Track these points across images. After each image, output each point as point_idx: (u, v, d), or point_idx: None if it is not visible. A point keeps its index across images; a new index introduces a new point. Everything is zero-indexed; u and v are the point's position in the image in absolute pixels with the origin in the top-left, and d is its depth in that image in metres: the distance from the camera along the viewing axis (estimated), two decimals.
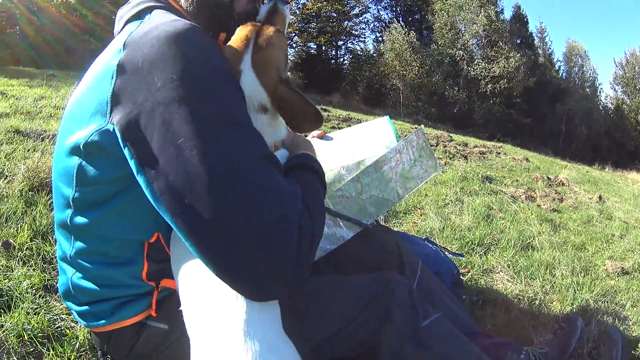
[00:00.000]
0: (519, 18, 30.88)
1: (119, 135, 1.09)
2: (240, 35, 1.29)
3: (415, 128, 2.10)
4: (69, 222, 1.29)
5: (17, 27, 21.75)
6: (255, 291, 1.04)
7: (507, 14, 30.37)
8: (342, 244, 1.76)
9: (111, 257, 1.28)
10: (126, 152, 1.08)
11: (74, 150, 1.21)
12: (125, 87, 1.09)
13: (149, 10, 1.32)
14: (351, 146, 1.97)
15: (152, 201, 1.07)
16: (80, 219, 1.26)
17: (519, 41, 29.85)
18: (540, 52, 32.19)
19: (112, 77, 1.11)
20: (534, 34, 32.27)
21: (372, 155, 1.84)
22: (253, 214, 0.99)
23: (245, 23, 1.34)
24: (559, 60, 34.39)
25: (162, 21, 1.18)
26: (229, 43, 1.29)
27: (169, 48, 1.08)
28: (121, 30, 1.34)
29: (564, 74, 34.09)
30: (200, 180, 0.99)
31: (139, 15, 1.32)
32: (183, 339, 1.26)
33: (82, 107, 1.21)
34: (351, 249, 1.77)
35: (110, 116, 1.10)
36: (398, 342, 1.37)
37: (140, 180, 1.07)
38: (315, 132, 1.93)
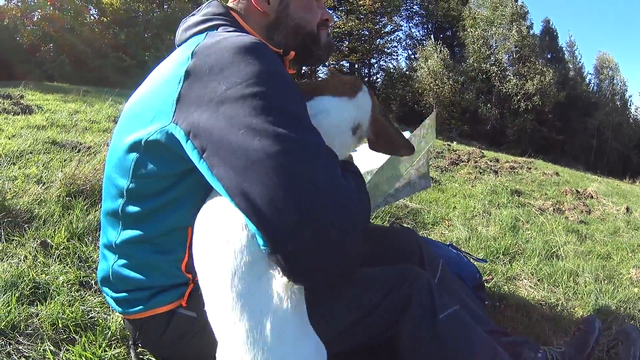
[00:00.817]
0: (549, 32, 30.61)
1: (182, 132, 1.17)
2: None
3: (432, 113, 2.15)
4: (120, 211, 1.37)
5: (51, 45, 22.26)
6: (310, 277, 1.11)
7: (537, 29, 30.09)
8: None
9: (156, 245, 1.35)
10: (189, 145, 1.16)
11: (134, 146, 1.30)
12: (191, 90, 1.18)
13: (215, 27, 1.41)
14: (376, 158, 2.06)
15: (212, 184, 1.15)
16: (132, 208, 1.34)
17: (549, 56, 29.54)
18: (571, 66, 31.80)
19: (180, 82, 1.20)
20: (563, 48, 31.92)
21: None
22: (313, 197, 1.05)
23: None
24: (590, 74, 33.93)
25: (231, 35, 1.29)
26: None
27: (236, 56, 1.18)
28: (186, 40, 1.44)
29: (595, 87, 33.60)
30: (260, 163, 1.05)
31: (205, 31, 1.41)
32: (209, 327, 1.34)
33: (145, 107, 1.31)
34: (372, 248, 1.79)
35: (173, 116, 1.19)
36: (416, 333, 1.39)
37: (201, 167, 1.15)
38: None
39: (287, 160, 1.05)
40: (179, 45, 1.47)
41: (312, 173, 1.06)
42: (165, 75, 1.28)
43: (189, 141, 1.16)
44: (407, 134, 2.20)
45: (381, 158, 1.97)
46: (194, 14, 1.54)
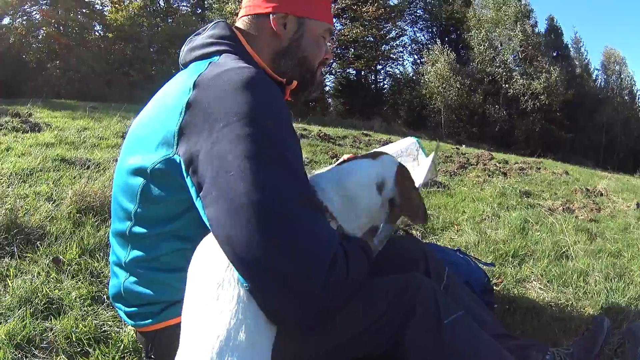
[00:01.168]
0: (553, 30, 30.44)
1: (183, 165, 1.24)
2: None
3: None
4: (127, 232, 1.43)
5: (57, 62, 22.42)
6: (279, 318, 1.15)
7: (541, 27, 29.92)
8: None
9: (165, 263, 1.39)
10: (188, 180, 1.23)
11: (140, 172, 1.36)
12: (192, 123, 1.23)
13: (219, 53, 1.46)
14: None
15: (205, 222, 1.20)
16: (139, 230, 1.39)
17: (555, 54, 29.41)
18: (577, 62, 31.62)
19: (181, 113, 1.26)
20: (569, 45, 31.77)
21: None
22: (285, 247, 1.09)
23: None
24: (596, 69, 33.73)
25: (232, 66, 1.32)
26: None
27: (236, 92, 1.22)
28: (190, 62, 1.50)
29: (602, 83, 33.36)
30: (243, 210, 1.10)
31: (209, 55, 1.46)
32: None
33: (149, 132, 1.36)
34: (378, 257, 1.79)
35: (176, 148, 1.25)
36: (420, 339, 1.40)
37: (198, 205, 1.22)
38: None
39: (267, 209, 1.10)
40: (183, 66, 1.53)
41: (289, 224, 1.09)
42: (168, 103, 1.34)
43: (189, 176, 1.23)
44: (412, 139, 2.23)
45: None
46: (199, 34, 1.59)
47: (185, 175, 1.24)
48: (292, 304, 1.11)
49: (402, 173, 1.56)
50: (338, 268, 1.11)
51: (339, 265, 1.11)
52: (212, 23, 1.60)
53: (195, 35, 1.60)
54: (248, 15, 1.60)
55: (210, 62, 1.39)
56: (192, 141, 1.22)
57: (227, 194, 1.12)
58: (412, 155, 2.19)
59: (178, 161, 1.25)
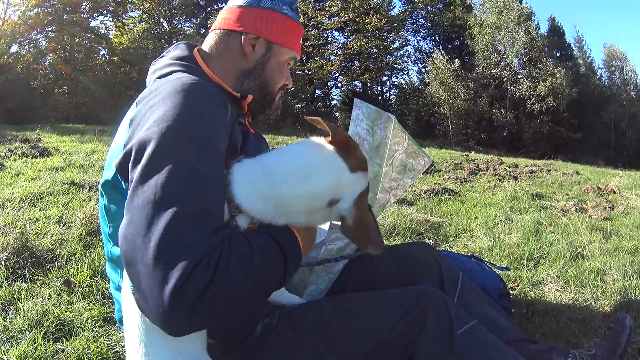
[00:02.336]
0: (555, 30, 30.35)
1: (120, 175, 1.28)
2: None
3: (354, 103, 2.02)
4: (111, 255, 1.46)
5: (65, 87, 22.64)
6: (149, 317, 1.11)
7: (543, 28, 29.82)
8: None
9: None
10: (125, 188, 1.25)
11: (101, 191, 1.42)
12: (132, 135, 1.25)
13: (170, 74, 1.49)
14: None
15: None
16: (118, 251, 1.37)
17: (558, 54, 29.33)
18: (581, 61, 31.46)
19: (127, 129, 1.30)
20: (572, 44, 31.67)
21: None
22: (147, 254, 1.05)
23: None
24: (600, 68, 33.53)
25: (171, 78, 1.38)
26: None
27: (164, 99, 1.25)
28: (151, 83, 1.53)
29: (606, 81, 33.12)
30: (135, 210, 1.10)
31: (165, 76, 1.49)
32: (227, 354, 1.35)
33: (110, 154, 1.42)
34: (390, 267, 1.79)
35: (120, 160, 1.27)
36: (433, 351, 1.38)
37: None
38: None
39: (151, 213, 1.08)
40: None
41: (159, 231, 1.06)
42: (123, 123, 1.40)
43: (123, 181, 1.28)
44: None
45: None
46: (163, 56, 1.65)
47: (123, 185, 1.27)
48: (148, 314, 1.08)
49: (364, 202, 1.37)
50: (193, 281, 1.03)
51: (196, 278, 1.04)
52: (173, 45, 1.67)
53: (160, 57, 1.65)
54: (221, 28, 1.66)
55: (155, 81, 1.44)
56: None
57: (129, 195, 1.14)
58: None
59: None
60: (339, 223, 1.38)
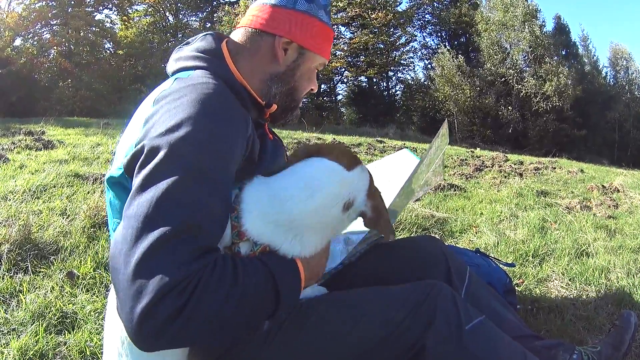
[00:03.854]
0: (561, 29, 30.20)
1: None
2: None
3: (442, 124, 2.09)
4: None
5: (69, 81, 22.65)
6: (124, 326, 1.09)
7: (549, 26, 29.66)
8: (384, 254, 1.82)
9: None
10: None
11: (107, 185, 1.38)
12: (144, 136, 1.22)
13: (196, 68, 1.45)
14: (387, 178, 2.05)
15: None
16: None
17: (564, 52, 29.21)
18: (586, 60, 31.30)
19: (141, 128, 1.26)
20: (577, 43, 31.50)
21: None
22: (127, 268, 1.04)
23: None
24: (605, 67, 33.36)
25: (192, 83, 1.33)
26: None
27: (178, 108, 1.23)
28: (173, 74, 1.50)
29: (611, 80, 32.96)
30: (129, 218, 1.09)
31: (188, 69, 1.46)
32: (235, 349, 1.33)
33: (119, 149, 1.37)
34: (397, 260, 1.78)
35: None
36: (442, 347, 1.37)
37: None
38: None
39: (141, 227, 1.06)
40: (170, 75, 1.53)
41: (144, 250, 1.04)
42: (137, 119, 1.35)
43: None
44: (405, 151, 2.21)
45: (398, 178, 1.95)
46: (188, 43, 1.59)
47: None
48: (123, 322, 1.07)
49: (373, 189, 1.42)
50: (163, 306, 1.02)
51: (167, 303, 1.02)
52: (202, 34, 1.59)
53: (184, 44, 1.60)
54: (252, 27, 1.58)
55: (176, 79, 1.39)
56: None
57: (129, 199, 1.13)
58: (407, 166, 2.17)
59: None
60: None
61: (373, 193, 1.40)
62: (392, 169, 2.18)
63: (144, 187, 1.11)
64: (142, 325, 1.01)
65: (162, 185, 1.10)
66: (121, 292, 1.04)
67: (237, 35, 1.60)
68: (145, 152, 1.17)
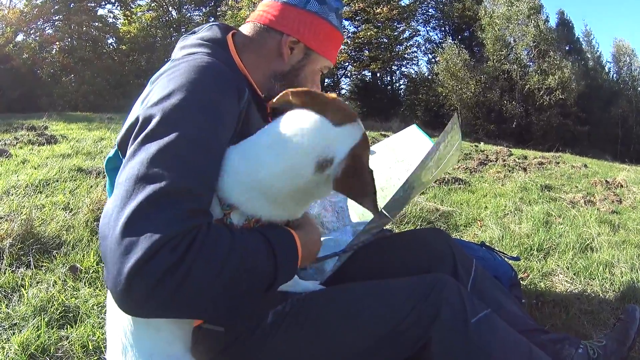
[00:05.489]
0: (564, 24, 30.08)
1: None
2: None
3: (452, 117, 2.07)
4: None
5: (72, 76, 22.64)
6: (111, 294, 1.06)
7: (552, 21, 29.53)
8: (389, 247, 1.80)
9: None
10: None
11: (106, 171, 1.41)
12: (139, 111, 1.23)
13: (194, 54, 1.44)
14: (394, 156, 2.03)
15: None
16: None
17: (567, 48, 29.10)
18: (589, 55, 31.20)
19: (140, 105, 1.28)
20: (580, 39, 31.39)
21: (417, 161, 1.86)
22: (116, 228, 1.02)
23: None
24: (609, 62, 33.23)
25: (189, 59, 1.34)
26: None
27: (178, 76, 1.24)
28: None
29: (614, 76, 32.84)
30: (122, 184, 1.07)
31: (191, 55, 1.45)
32: (238, 341, 1.32)
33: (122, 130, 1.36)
34: (402, 253, 1.78)
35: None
36: (447, 340, 1.37)
37: None
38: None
39: (132, 188, 1.05)
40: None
41: (135, 209, 1.02)
42: (137, 103, 1.35)
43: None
44: (414, 127, 2.19)
45: (410, 151, 1.93)
46: (195, 32, 1.59)
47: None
48: (110, 290, 1.03)
49: (357, 152, 1.22)
50: (155, 262, 0.99)
51: (159, 260, 0.99)
52: (208, 24, 1.59)
53: (190, 34, 1.59)
54: (260, 22, 1.58)
55: (173, 60, 1.41)
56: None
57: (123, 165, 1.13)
58: (417, 143, 2.16)
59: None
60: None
61: (356, 158, 1.22)
62: (403, 148, 2.17)
63: (135, 152, 1.11)
64: (132, 285, 0.98)
65: (153, 148, 1.09)
66: (109, 255, 1.01)
67: (245, 29, 1.61)
68: (139, 122, 1.17)
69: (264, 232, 1.20)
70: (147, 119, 1.16)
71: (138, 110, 1.24)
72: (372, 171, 1.24)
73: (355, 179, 1.21)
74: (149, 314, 1.05)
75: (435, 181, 5.35)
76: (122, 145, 1.25)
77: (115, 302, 1.03)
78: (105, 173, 1.42)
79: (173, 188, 1.05)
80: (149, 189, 1.03)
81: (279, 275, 1.18)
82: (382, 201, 1.72)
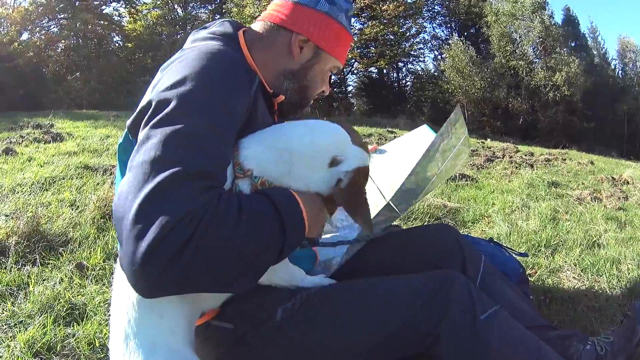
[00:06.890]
0: (570, 20, 29.97)
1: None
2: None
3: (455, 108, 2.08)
4: None
5: (78, 74, 22.69)
6: (126, 276, 1.06)
7: (557, 18, 29.40)
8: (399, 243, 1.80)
9: None
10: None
11: (117, 157, 1.42)
12: (152, 93, 1.25)
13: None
14: (404, 155, 2.03)
15: None
16: None
17: (573, 44, 28.99)
18: (595, 52, 31.06)
19: (150, 91, 1.29)
20: (586, 35, 31.24)
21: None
22: (131, 209, 1.02)
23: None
24: (614, 59, 33.05)
25: (199, 45, 1.38)
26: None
27: (189, 62, 1.26)
28: None
29: (620, 73, 32.66)
30: (136, 166, 1.08)
31: None
32: (246, 338, 1.32)
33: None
34: (412, 249, 1.78)
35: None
36: (456, 337, 1.37)
37: None
38: (369, 146, 1.95)
39: (148, 171, 1.06)
40: None
41: (150, 193, 1.03)
42: (150, 87, 1.35)
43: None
44: (425, 127, 2.19)
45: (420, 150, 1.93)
46: (206, 27, 1.59)
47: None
48: (125, 271, 1.04)
49: (364, 172, 1.37)
50: (169, 239, 0.99)
51: (174, 236, 1.00)
52: (220, 20, 1.60)
53: (202, 28, 1.60)
54: (271, 21, 1.59)
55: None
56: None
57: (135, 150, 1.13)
58: (427, 142, 2.15)
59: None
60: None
61: (359, 178, 1.35)
62: (411, 146, 2.17)
63: (149, 135, 1.12)
64: (147, 262, 0.99)
65: (168, 131, 1.11)
66: (125, 236, 1.01)
67: (256, 27, 1.61)
68: (153, 105, 1.18)
69: (268, 194, 1.21)
70: (161, 103, 1.17)
71: (150, 94, 1.25)
72: (367, 199, 1.37)
73: (353, 196, 1.34)
74: (165, 291, 1.05)
75: None
76: (133, 128, 1.26)
77: (130, 283, 1.03)
78: (117, 161, 1.44)
79: (189, 170, 1.07)
80: (166, 171, 1.04)
81: (287, 235, 1.17)
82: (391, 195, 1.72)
